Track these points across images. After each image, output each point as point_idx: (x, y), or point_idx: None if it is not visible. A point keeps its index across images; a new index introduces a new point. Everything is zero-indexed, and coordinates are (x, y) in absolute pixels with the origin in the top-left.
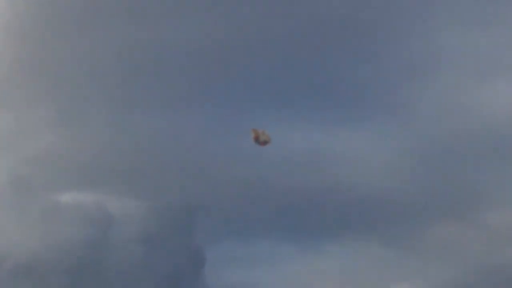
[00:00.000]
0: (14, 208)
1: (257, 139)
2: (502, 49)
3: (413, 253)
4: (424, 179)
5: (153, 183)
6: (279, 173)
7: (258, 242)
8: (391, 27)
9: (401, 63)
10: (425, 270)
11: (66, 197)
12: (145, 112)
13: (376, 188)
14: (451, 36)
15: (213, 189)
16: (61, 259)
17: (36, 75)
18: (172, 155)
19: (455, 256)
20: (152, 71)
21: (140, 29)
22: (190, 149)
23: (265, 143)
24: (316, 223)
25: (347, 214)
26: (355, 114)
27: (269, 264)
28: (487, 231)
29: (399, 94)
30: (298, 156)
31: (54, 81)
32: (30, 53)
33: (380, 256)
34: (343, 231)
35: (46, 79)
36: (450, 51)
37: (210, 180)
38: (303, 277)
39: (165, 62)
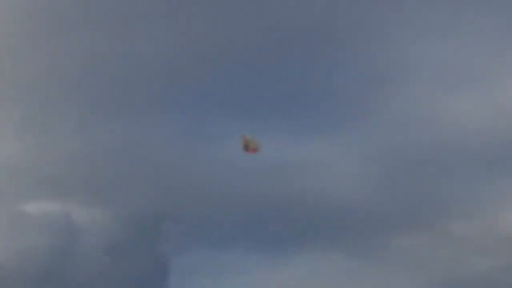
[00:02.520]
0: None
1: (246, 147)
2: (470, 59)
3: (378, 264)
4: (390, 189)
5: (118, 192)
6: (246, 182)
7: (225, 252)
8: (359, 36)
9: (369, 73)
10: (390, 281)
11: (32, 207)
12: (111, 121)
13: (343, 198)
14: (419, 46)
15: (179, 198)
16: (27, 268)
17: (2, 83)
18: (138, 164)
19: (421, 267)
20: (119, 80)
21: (108, 37)
22: (156, 157)
23: (254, 150)
24: (283, 233)
25: (314, 223)
26: (323, 123)
27: (236, 274)
28: (454, 242)
29: (366, 104)
30: (265, 165)
31: (21, 89)
32: None
33: (346, 267)
34: (310, 241)
35: (12, 87)
36: (418, 61)
37: (177, 189)
38: (270, 286)
39: (132, 71)
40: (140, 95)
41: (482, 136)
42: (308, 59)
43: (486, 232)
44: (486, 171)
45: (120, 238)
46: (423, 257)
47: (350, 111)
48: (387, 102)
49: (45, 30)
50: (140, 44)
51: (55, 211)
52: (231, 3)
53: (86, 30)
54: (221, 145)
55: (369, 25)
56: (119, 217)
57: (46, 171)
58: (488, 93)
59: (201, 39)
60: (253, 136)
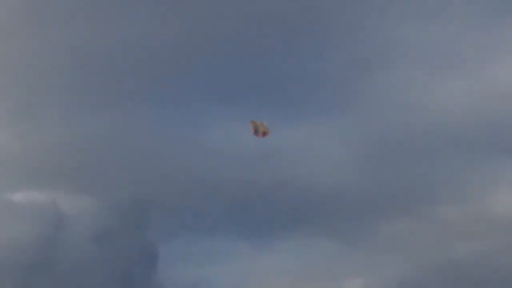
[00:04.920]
0: None
1: (255, 131)
2: (452, 44)
3: (365, 248)
4: (376, 175)
5: (105, 181)
6: (232, 169)
7: (211, 239)
8: (341, 23)
9: (352, 59)
10: (377, 265)
11: (19, 196)
12: (96, 110)
13: (328, 184)
14: (402, 31)
15: (166, 185)
16: (14, 257)
17: None
18: (125, 153)
19: (407, 251)
20: (101, 70)
21: (90, 29)
22: (142, 146)
23: (264, 134)
24: (269, 219)
25: (301, 210)
26: (307, 111)
27: (223, 260)
28: (439, 226)
29: (351, 90)
30: (251, 152)
31: (5, 81)
32: None
33: (333, 251)
34: (297, 227)
35: None
36: (401, 46)
37: (163, 176)
38: (257, 273)
39: (116, 62)
40: (126, 85)
41: (467, 121)
42: (292, 47)
43: (471, 216)
44: (471, 156)
45: (107, 226)
46: (409, 241)
47: (335, 98)
48: (372, 88)
49: (32, 21)
50: (125, 35)
51: (42, 201)
52: None
53: (73, 22)
54: (207, 134)
55: (353, 12)
56: (107, 205)
57: (33, 161)
58: (472, 78)
59: (187, 28)
60: (262, 121)
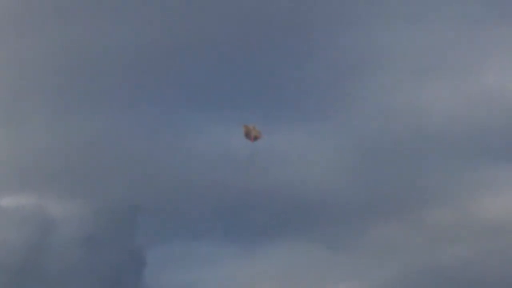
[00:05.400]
0: None
1: (248, 135)
2: (440, 48)
3: (353, 253)
4: (364, 179)
5: (92, 185)
6: (219, 173)
7: (199, 243)
8: (328, 26)
9: (340, 63)
10: (365, 271)
11: (6, 200)
12: (84, 113)
13: (316, 188)
14: (389, 35)
15: (153, 189)
16: (2, 261)
17: None
18: (111, 156)
19: (396, 256)
20: (90, 72)
21: (77, 31)
22: (131, 150)
23: (255, 138)
24: (256, 224)
25: (288, 214)
26: (294, 114)
27: (211, 265)
28: (428, 231)
29: (340, 94)
30: (239, 157)
31: None
32: None
33: (321, 257)
34: (284, 231)
35: None
36: (388, 50)
37: (150, 180)
38: (245, 278)
39: (103, 64)
40: (113, 88)
41: (456, 125)
42: (280, 51)
43: (460, 220)
44: (460, 160)
45: (95, 230)
46: (398, 246)
47: (324, 102)
48: (361, 91)
49: (18, 24)
50: (112, 38)
51: (30, 205)
52: None
53: (55, 25)
54: (195, 138)
55: (339, 15)
56: (94, 209)
57: (20, 165)
58: (461, 81)
59: (174, 32)
60: (254, 125)
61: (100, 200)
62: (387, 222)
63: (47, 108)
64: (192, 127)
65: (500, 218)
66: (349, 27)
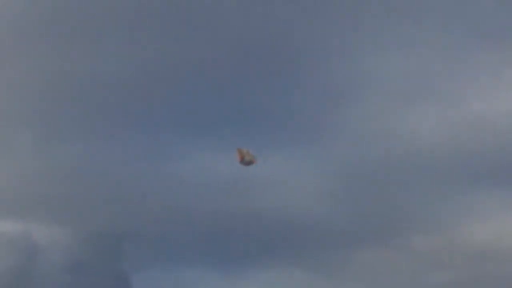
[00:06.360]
0: None
1: (242, 159)
2: (425, 73)
3: (338, 278)
4: (349, 204)
5: (78, 211)
6: (204, 199)
7: (184, 269)
8: (316, 51)
9: (326, 88)
10: None
11: None
12: (69, 140)
13: (301, 213)
14: (376, 60)
15: (139, 216)
16: None
17: None
18: (97, 183)
19: (381, 282)
20: (77, 100)
21: (65, 59)
22: (116, 177)
23: (250, 163)
24: (242, 249)
25: (274, 239)
26: (280, 139)
27: None
28: (413, 256)
29: (324, 119)
30: (224, 182)
31: None
32: None
33: (305, 282)
34: (269, 256)
35: None
36: (375, 76)
37: (136, 207)
38: None
39: (89, 90)
40: (99, 114)
41: (440, 151)
42: (266, 76)
43: (445, 246)
44: (444, 186)
45: (80, 256)
46: (383, 271)
47: (308, 126)
48: (345, 117)
49: (4, 50)
50: (98, 65)
51: (15, 231)
52: (190, 24)
53: (44, 53)
54: (180, 164)
55: (326, 39)
56: (80, 236)
57: (6, 191)
58: (446, 106)
59: (160, 59)
60: (247, 150)
61: (86, 226)
62: (372, 248)
63: (32, 134)
64: (178, 153)
65: (487, 244)
66: (336, 54)
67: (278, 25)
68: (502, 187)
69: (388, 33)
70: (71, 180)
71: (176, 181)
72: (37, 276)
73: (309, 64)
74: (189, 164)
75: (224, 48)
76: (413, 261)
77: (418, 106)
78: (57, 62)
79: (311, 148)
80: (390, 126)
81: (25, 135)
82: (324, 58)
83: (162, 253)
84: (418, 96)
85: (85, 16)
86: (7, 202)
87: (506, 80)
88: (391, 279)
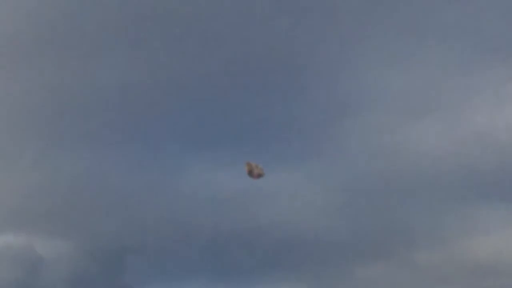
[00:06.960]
0: None
1: (250, 173)
2: (428, 88)
3: None
4: (352, 219)
5: (82, 225)
6: (209, 213)
7: (188, 283)
8: (319, 65)
9: (329, 102)
10: None
11: None
12: (73, 153)
13: (304, 228)
14: (379, 75)
15: (143, 230)
16: None
17: None
18: (101, 196)
19: None
20: (80, 111)
21: (64, 70)
22: (119, 189)
23: (259, 176)
24: (246, 264)
25: (277, 254)
26: (283, 153)
27: None
28: (416, 271)
29: (326, 133)
30: (227, 195)
31: None
32: None
33: None
34: (273, 271)
35: None
36: (378, 90)
37: (140, 221)
38: None
39: (91, 102)
40: (102, 126)
41: (443, 165)
42: (268, 89)
43: (448, 260)
44: (447, 200)
45: (83, 270)
46: (386, 286)
47: (310, 141)
48: (348, 131)
49: (5, 61)
50: (100, 75)
51: (18, 244)
52: (190, 35)
53: (46, 61)
54: (184, 177)
55: (328, 55)
56: (83, 249)
57: (8, 204)
58: (448, 122)
59: (161, 70)
60: (257, 164)
61: (89, 240)
62: (375, 263)
63: (34, 146)
64: (180, 168)
65: (490, 259)
66: (340, 68)
67: (282, 39)
68: (506, 202)
69: (392, 47)
70: (74, 193)
71: (179, 194)
72: None
73: (314, 78)
74: (193, 178)
75: (227, 61)
76: (416, 276)
77: (422, 121)
78: (60, 75)
79: (313, 162)
80: (393, 142)
81: (28, 147)
82: (328, 72)
83: (166, 267)
84: (422, 110)
85: (88, 28)
86: (10, 215)
87: (510, 95)
88: None
